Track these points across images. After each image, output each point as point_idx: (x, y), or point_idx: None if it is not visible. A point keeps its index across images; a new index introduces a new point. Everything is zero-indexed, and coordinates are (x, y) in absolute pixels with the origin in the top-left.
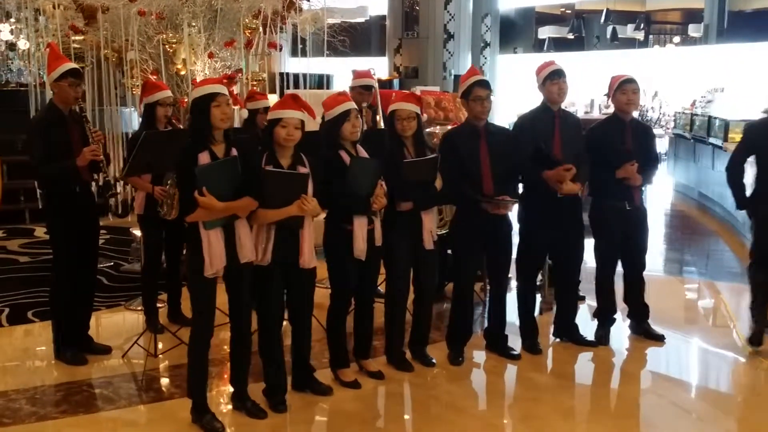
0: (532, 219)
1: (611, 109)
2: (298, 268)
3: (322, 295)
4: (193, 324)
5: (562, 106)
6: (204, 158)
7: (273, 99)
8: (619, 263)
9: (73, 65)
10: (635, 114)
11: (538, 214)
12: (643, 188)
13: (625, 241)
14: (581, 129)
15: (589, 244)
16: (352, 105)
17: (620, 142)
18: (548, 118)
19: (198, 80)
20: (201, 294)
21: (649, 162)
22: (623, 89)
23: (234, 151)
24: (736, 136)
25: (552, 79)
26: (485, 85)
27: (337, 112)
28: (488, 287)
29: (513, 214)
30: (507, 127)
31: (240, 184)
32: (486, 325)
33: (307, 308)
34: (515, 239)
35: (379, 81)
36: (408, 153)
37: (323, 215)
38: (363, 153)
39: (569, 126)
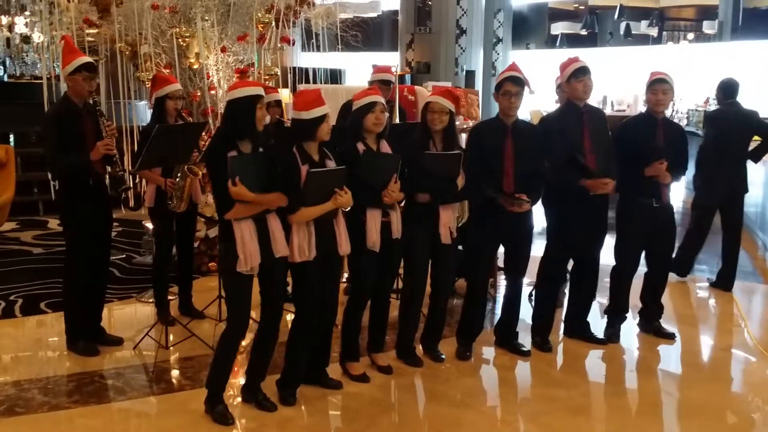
0: (565, 220)
1: (624, 106)
2: (332, 258)
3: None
4: (228, 319)
5: None
6: (232, 155)
7: (283, 93)
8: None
9: (87, 59)
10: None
11: (571, 212)
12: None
13: (650, 240)
14: (606, 121)
15: (608, 240)
16: (379, 98)
17: (651, 140)
18: (576, 116)
19: (211, 74)
20: (236, 290)
21: (679, 161)
22: (653, 89)
23: (261, 149)
24: None
25: (578, 77)
26: (516, 81)
27: (362, 103)
28: (500, 284)
29: (538, 213)
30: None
31: (269, 181)
32: (496, 321)
33: (335, 299)
34: (536, 238)
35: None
36: (434, 147)
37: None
38: (387, 148)
39: (596, 121)
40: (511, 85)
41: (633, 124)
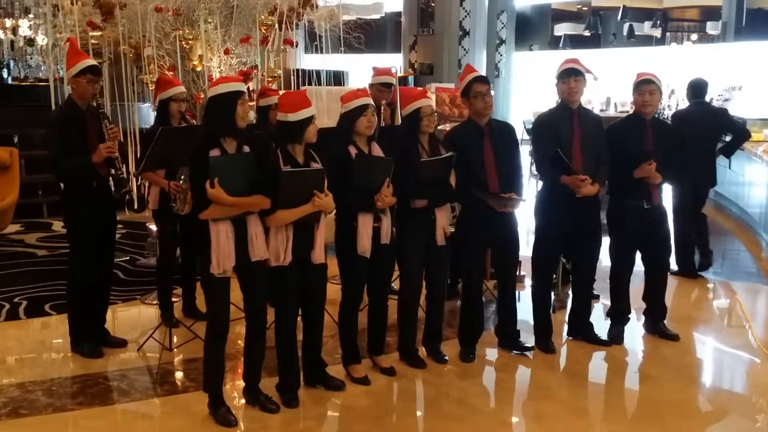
0: (548, 216)
1: (627, 108)
2: (311, 264)
3: (334, 291)
4: (208, 319)
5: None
6: (215, 154)
7: None
8: (638, 262)
9: (92, 62)
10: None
11: (554, 211)
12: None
13: (644, 241)
14: (602, 127)
15: (605, 242)
16: (370, 101)
17: (639, 141)
18: (567, 117)
19: (214, 76)
20: (213, 290)
21: (670, 161)
22: (640, 90)
23: (246, 148)
24: (753, 135)
25: (562, 79)
26: (484, 80)
27: (354, 105)
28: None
29: (527, 210)
30: (520, 123)
31: (255, 182)
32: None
33: (319, 304)
34: (526, 236)
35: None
36: (423, 150)
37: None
38: (378, 150)
39: (589, 124)
40: (480, 85)
41: (621, 126)
